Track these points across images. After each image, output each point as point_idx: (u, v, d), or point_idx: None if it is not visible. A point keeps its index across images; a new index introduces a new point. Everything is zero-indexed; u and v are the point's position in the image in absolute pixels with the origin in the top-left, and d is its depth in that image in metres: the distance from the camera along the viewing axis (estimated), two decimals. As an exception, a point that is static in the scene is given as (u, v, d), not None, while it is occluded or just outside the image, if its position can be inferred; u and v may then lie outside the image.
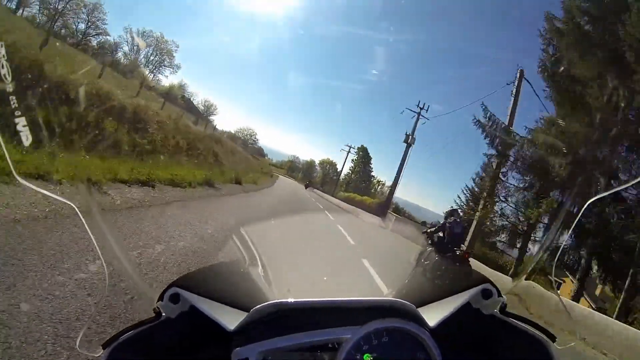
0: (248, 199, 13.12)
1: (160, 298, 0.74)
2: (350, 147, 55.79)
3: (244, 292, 0.94)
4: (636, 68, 11.44)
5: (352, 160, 58.16)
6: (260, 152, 71.33)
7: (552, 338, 0.76)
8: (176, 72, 37.68)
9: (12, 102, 0.49)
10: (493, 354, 0.82)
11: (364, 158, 58.73)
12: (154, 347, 0.73)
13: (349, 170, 57.75)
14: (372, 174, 58.41)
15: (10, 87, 0.50)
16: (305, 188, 47.48)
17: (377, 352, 0.73)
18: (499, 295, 0.82)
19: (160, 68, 36.70)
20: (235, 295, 0.86)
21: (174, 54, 36.46)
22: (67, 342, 2.00)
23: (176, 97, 38.20)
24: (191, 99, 44.07)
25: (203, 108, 46.20)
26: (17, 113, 0.49)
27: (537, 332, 0.78)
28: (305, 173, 73.22)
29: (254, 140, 67.15)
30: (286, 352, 0.71)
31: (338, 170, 64.35)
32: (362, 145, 59.46)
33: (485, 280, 0.84)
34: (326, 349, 0.73)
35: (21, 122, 0.49)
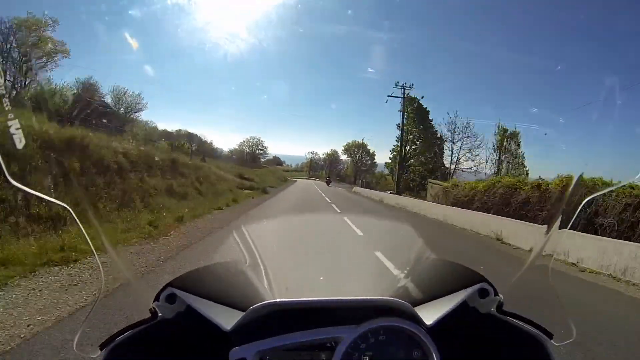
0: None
1: (157, 298, 0.74)
2: (404, 86, 29.68)
3: (241, 292, 0.94)
4: None
5: (402, 126, 31.86)
6: (277, 162, 66.71)
7: (549, 335, 0.77)
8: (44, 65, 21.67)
9: (5, 105, 0.49)
10: (490, 352, 0.82)
11: (419, 114, 33.26)
12: (151, 347, 0.73)
13: (395, 143, 34.76)
14: (438, 135, 33.24)
15: (2, 90, 0.49)
16: (328, 185, 40.43)
17: (374, 350, 0.74)
18: (496, 294, 0.83)
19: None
20: (231, 295, 0.86)
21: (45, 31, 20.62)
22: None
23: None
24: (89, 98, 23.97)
25: (112, 103, 29.02)
26: (10, 116, 0.48)
27: (534, 329, 0.78)
28: (329, 168, 62.83)
29: (262, 149, 58.44)
30: (283, 351, 0.71)
31: (371, 151, 50.69)
32: (409, 95, 30.95)
33: (481, 279, 0.85)
34: (323, 348, 0.73)
35: (14, 125, 0.49)
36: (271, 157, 65.00)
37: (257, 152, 59.21)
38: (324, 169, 67.37)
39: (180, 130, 42.51)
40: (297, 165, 71.72)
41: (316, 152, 70.93)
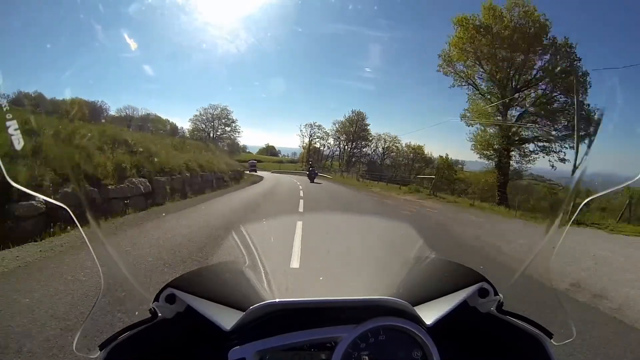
0: None
1: (156, 299, 0.74)
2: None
3: (240, 292, 0.94)
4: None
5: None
6: (272, 152, 51.50)
7: (549, 335, 0.77)
8: None
9: (3, 106, 0.49)
10: (490, 352, 0.83)
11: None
12: (151, 347, 0.73)
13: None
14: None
15: (0, 89, 0.49)
16: (311, 180, 23.08)
17: (374, 350, 0.74)
18: (496, 293, 0.83)
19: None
20: (231, 295, 0.86)
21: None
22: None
23: None
24: None
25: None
26: (9, 116, 0.48)
27: (534, 329, 0.78)
28: (351, 142, 35.15)
29: (229, 123, 34.91)
30: (283, 351, 0.72)
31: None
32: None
33: (481, 278, 0.85)
34: (323, 348, 0.73)
35: (12, 126, 0.48)
36: (264, 146, 48.93)
37: (220, 129, 35.51)
38: (332, 156, 35.96)
39: (149, 114, 31.57)
40: (293, 155, 49.07)
41: (320, 125, 37.47)
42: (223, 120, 36.05)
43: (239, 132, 37.55)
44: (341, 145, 36.97)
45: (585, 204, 0.84)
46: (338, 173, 33.26)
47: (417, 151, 34.03)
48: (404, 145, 34.42)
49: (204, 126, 35.40)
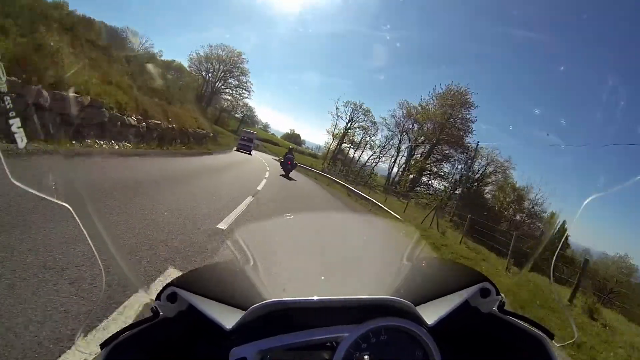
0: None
1: (158, 297, 0.74)
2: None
3: (242, 290, 0.94)
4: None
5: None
6: (295, 140, 49.66)
7: (551, 335, 0.77)
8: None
9: (6, 103, 0.48)
10: (491, 352, 0.83)
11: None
12: (152, 346, 0.73)
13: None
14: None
15: (4, 88, 0.49)
16: (287, 172, 17.86)
17: (375, 350, 0.73)
18: (497, 293, 0.83)
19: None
20: (233, 294, 0.86)
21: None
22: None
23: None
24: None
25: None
26: (12, 114, 0.48)
27: (535, 329, 0.78)
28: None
29: (236, 75, 24.62)
30: (284, 350, 0.71)
31: None
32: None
33: (483, 278, 0.85)
34: (324, 348, 0.73)
35: (16, 124, 0.48)
36: (289, 132, 46.66)
37: (223, 80, 23.87)
38: (374, 164, 22.80)
39: (173, 60, 22.97)
40: (317, 149, 39.65)
41: (368, 110, 25.35)
42: (230, 68, 24.01)
43: (249, 91, 26.47)
44: (403, 147, 21.11)
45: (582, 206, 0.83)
46: (390, 196, 19.18)
47: (520, 195, 20.44)
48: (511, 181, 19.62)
49: (203, 70, 23.76)
